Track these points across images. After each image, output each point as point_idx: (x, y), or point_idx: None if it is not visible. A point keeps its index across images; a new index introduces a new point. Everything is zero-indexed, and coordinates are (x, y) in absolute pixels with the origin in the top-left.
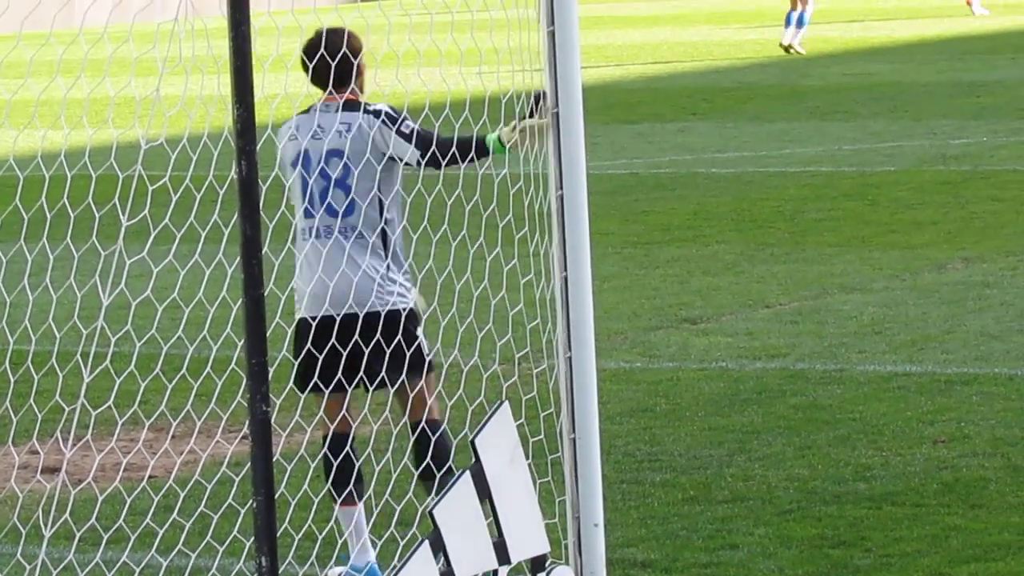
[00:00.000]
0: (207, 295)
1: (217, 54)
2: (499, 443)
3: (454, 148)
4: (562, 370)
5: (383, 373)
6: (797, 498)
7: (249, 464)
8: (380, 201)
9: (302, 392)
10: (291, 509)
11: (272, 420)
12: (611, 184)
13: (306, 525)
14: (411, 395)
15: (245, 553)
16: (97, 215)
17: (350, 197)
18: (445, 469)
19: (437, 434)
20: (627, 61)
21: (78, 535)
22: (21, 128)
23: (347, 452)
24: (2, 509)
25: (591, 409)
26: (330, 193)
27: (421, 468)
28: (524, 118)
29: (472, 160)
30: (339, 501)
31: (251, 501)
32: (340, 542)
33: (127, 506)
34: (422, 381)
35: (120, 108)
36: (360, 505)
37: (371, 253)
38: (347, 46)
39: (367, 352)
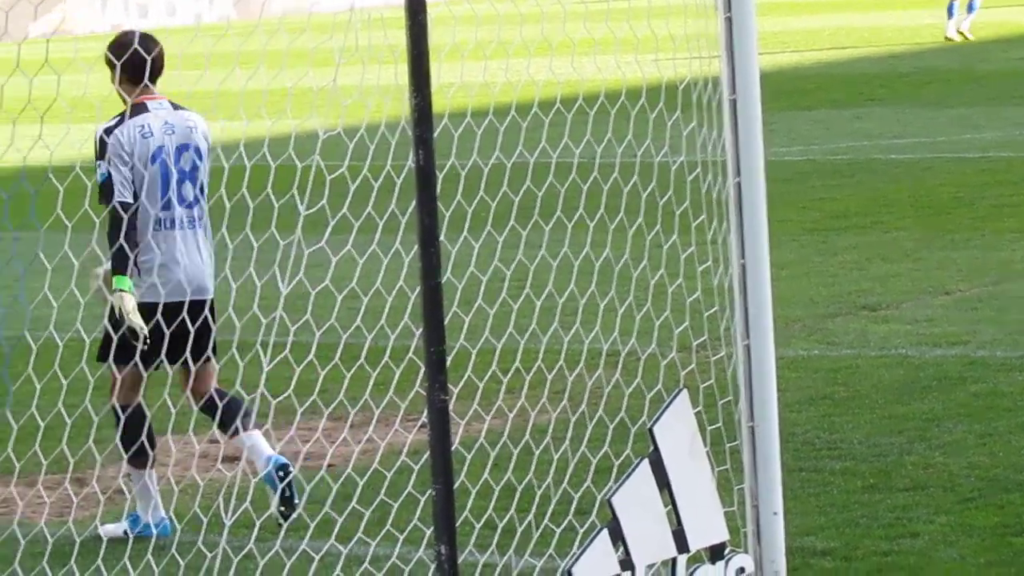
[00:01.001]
0: (384, 284)
1: (394, 43)
2: (677, 431)
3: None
4: (740, 358)
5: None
6: (978, 486)
7: (427, 453)
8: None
9: (104, 361)
10: (470, 498)
11: (450, 409)
12: (788, 171)
13: (486, 514)
14: (208, 370)
15: (424, 542)
16: (275, 205)
17: (198, 189)
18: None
19: (226, 399)
20: (803, 47)
21: (258, 523)
22: None
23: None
24: (183, 498)
25: (769, 397)
26: (184, 185)
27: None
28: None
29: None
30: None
31: (430, 490)
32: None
33: (306, 495)
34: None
35: (297, 99)
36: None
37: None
38: (150, 47)
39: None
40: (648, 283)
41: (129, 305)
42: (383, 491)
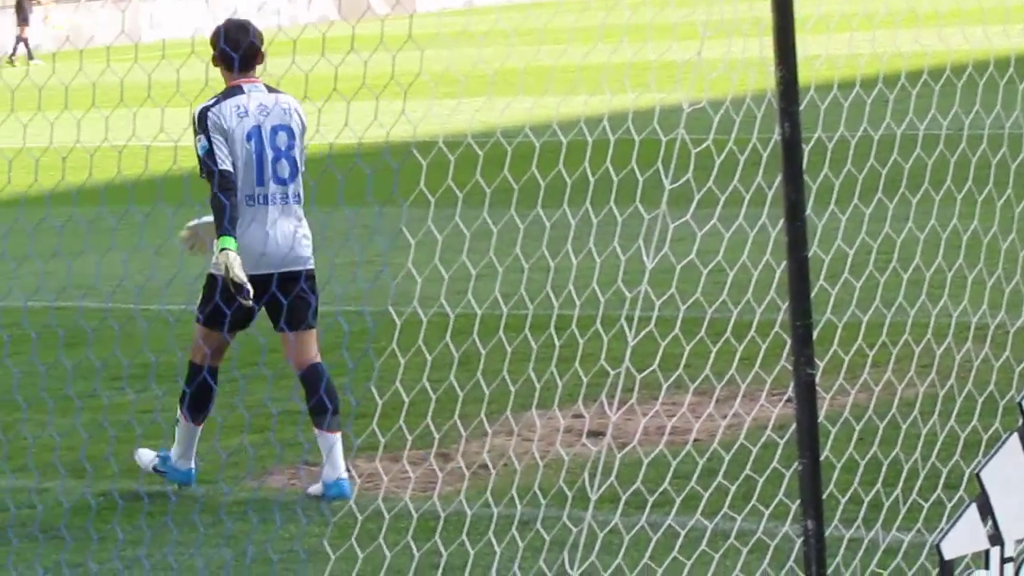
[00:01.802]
0: (750, 258)
1: (758, 16)
2: None
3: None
4: None
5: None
6: None
7: (793, 427)
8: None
9: (218, 331)
10: (836, 472)
11: (816, 382)
12: None
13: (851, 488)
14: (307, 339)
15: (790, 516)
16: (640, 179)
17: (292, 167)
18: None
19: (325, 379)
20: None
21: (623, 498)
22: (563, 94)
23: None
24: (547, 472)
25: None
26: (278, 163)
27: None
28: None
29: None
30: (199, 423)
31: (796, 464)
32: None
33: (671, 470)
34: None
35: (661, 72)
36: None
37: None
38: (257, 35)
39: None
40: (1017, 255)
41: (235, 263)
42: (748, 466)
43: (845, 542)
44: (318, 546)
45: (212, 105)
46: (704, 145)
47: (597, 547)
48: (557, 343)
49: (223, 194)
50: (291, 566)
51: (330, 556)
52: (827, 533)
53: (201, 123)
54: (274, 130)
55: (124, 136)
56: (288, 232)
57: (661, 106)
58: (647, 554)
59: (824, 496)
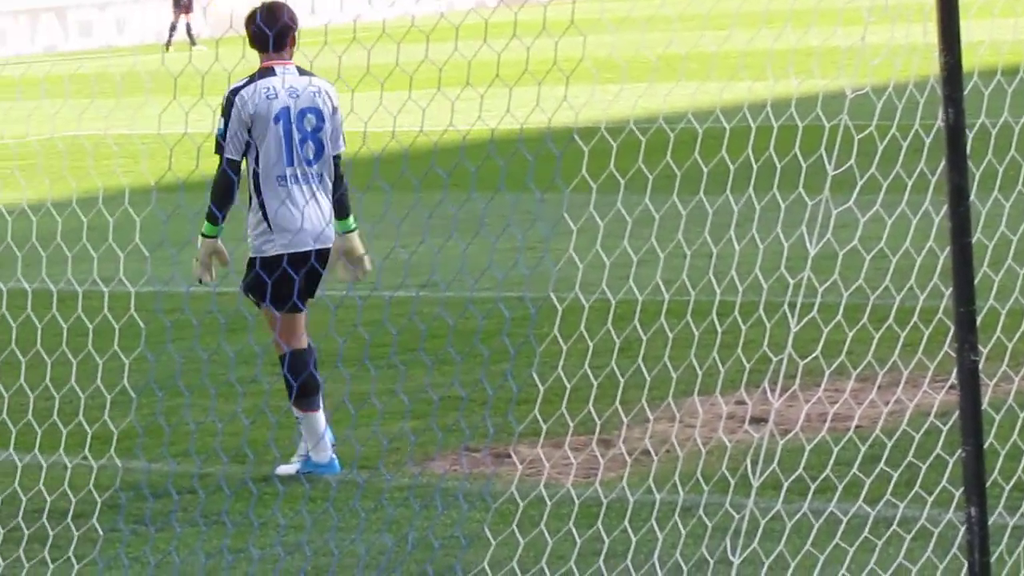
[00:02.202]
0: (914, 244)
1: (922, 2)
2: None
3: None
4: None
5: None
6: None
7: (956, 414)
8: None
9: (281, 311)
10: (999, 459)
11: (980, 369)
12: None
13: (1015, 476)
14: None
15: (954, 504)
16: (803, 165)
17: (319, 148)
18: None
19: (310, 368)
20: None
21: (785, 485)
22: (726, 80)
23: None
24: (709, 459)
25: None
26: (306, 144)
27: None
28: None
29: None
30: (310, 408)
31: (959, 451)
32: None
33: (833, 456)
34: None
35: (825, 58)
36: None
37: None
38: (290, 16)
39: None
40: None
41: (203, 251)
42: (911, 452)
43: (1009, 529)
44: (479, 532)
45: (242, 87)
46: (867, 131)
47: (759, 534)
48: (719, 329)
49: (223, 180)
50: (452, 552)
51: (491, 542)
52: (991, 521)
53: (226, 109)
54: (302, 112)
55: None
56: (319, 211)
57: (824, 92)
58: (809, 541)
59: (987, 484)
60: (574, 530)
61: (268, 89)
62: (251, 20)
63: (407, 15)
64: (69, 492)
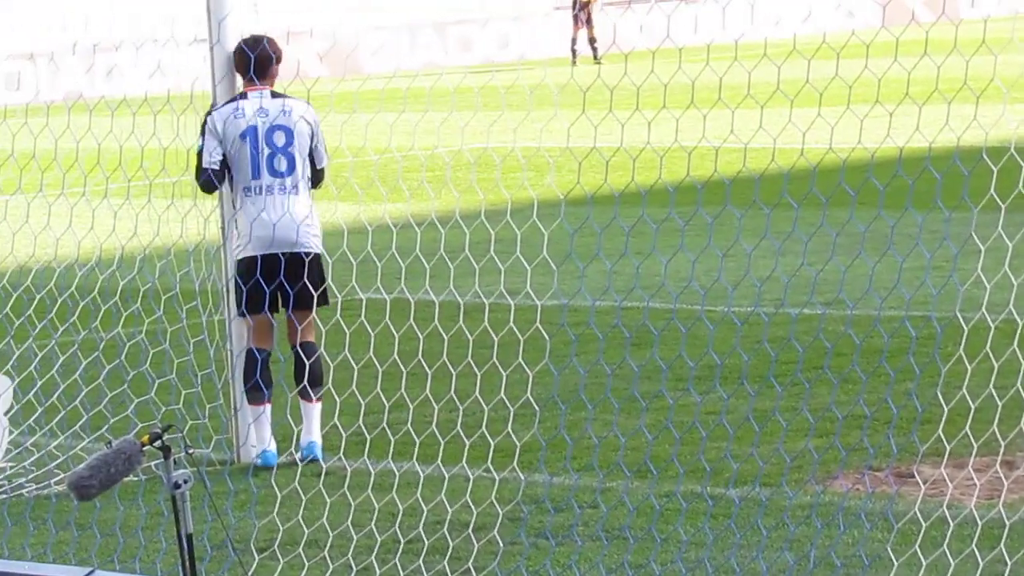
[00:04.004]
0: None
1: None
2: None
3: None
4: None
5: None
6: None
7: None
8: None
9: (253, 314)
10: None
11: None
12: None
13: None
14: (302, 323)
15: None
16: None
17: (290, 161)
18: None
19: (314, 356)
20: None
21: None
22: None
23: (265, 363)
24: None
25: None
26: (276, 158)
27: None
28: None
29: None
30: (260, 401)
31: None
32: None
33: None
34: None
35: None
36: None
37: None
38: (273, 48)
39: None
40: None
41: None
42: None
43: None
44: (881, 551)
45: (214, 110)
46: None
47: None
48: None
49: (202, 185)
50: (854, 571)
51: (893, 562)
52: None
53: (202, 127)
54: (271, 129)
55: (695, 138)
56: (289, 218)
57: None
58: None
59: None
60: (976, 552)
61: (237, 110)
62: (234, 52)
63: (818, 32)
64: (471, 504)
